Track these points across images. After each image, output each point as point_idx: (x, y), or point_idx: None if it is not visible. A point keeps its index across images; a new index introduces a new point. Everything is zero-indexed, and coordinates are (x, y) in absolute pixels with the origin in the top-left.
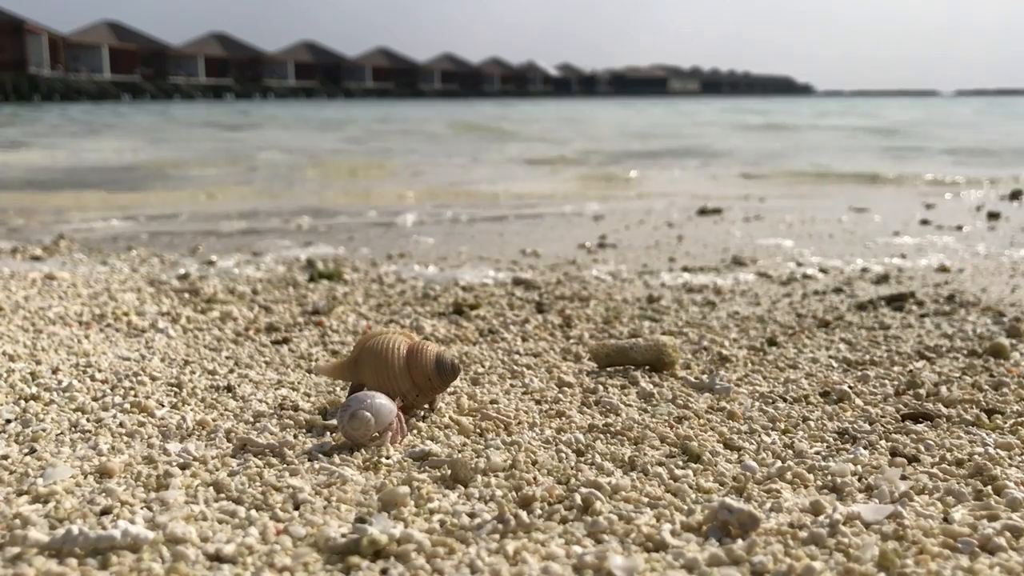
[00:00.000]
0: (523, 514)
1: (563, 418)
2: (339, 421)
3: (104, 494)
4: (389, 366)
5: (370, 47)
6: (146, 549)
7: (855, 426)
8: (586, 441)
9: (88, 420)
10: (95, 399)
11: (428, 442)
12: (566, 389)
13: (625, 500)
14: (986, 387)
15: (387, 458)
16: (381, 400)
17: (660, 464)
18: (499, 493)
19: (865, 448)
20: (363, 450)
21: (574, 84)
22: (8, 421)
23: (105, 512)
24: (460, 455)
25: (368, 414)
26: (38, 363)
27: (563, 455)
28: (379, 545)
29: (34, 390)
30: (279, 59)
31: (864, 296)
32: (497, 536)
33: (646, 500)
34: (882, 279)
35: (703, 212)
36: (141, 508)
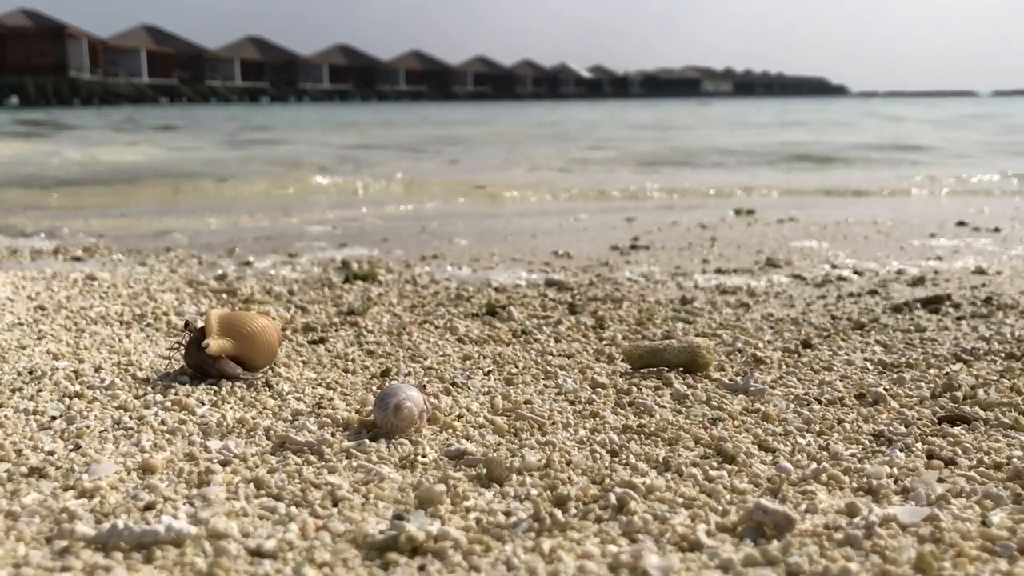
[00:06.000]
0: (558, 513)
1: (597, 419)
2: (380, 415)
3: (147, 490)
4: (273, 340)
5: (404, 50)
6: (189, 544)
7: (891, 428)
8: (620, 441)
9: (130, 417)
10: (137, 397)
11: (463, 441)
12: (600, 390)
13: (660, 500)
14: None
15: (423, 456)
16: (412, 391)
17: (694, 465)
18: (534, 492)
19: (901, 450)
20: (399, 448)
21: (606, 86)
22: (53, 418)
23: (148, 507)
24: (495, 454)
25: (411, 404)
26: (81, 361)
27: (597, 455)
28: (417, 542)
29: (77, 388)
30: (314, 62)
31: (899, 298)
32: (533, 534)
33: (681, 500)
34: (918, 281)
35: (737, 213)
36: (183, 504)
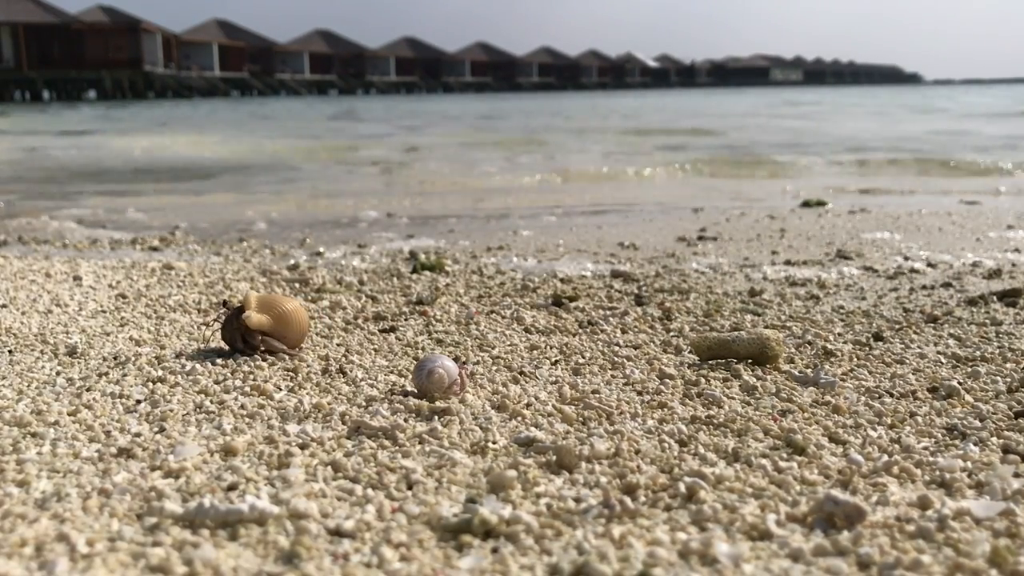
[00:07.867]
0: (628, 500)
1: (665, 409)
2: (417, 378)
3: (230, 471)
4: (304, 321)
5: (469, 42)
6: (271, 523)
7: (965, 422)
8: (689, 432)
9: (211, 402)
10: (217, 382)
11: (532, 429)
12: (667, 381)
13: (729, 490)
14: None
15: (494, 443)
16: (448, 362)
17: (764, 456)
18: (603, 479)
19: (975, 444)
20: (470, 435)
21: (673, 75)
22: (139, 401)
23: (231, 488)
24: (564, 442)
25: (443, 371)
26: (162, 348)
27: (666, 445)
28: (490, 525)
29: (160, 373)
30: (381, 55)
31: (975, 291)
32: (603, 520)
33: (750, 490)
34: (994, 274)
35: (806, 204)
36: (265, 485)
